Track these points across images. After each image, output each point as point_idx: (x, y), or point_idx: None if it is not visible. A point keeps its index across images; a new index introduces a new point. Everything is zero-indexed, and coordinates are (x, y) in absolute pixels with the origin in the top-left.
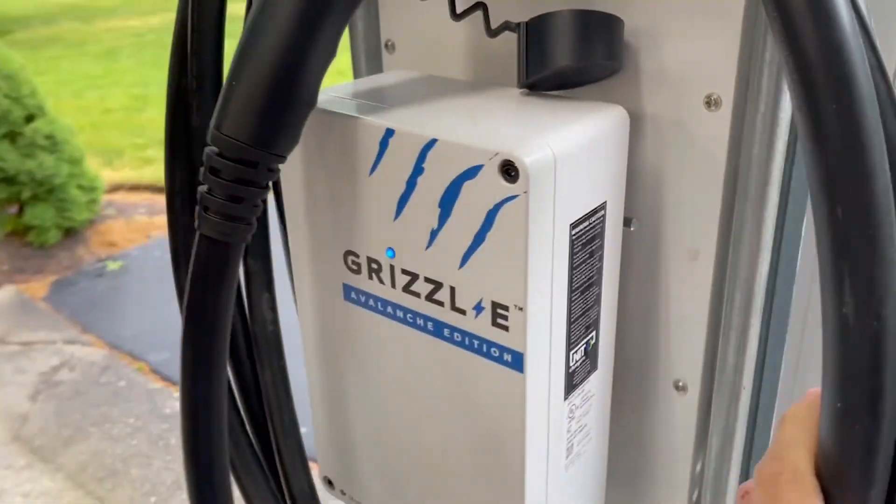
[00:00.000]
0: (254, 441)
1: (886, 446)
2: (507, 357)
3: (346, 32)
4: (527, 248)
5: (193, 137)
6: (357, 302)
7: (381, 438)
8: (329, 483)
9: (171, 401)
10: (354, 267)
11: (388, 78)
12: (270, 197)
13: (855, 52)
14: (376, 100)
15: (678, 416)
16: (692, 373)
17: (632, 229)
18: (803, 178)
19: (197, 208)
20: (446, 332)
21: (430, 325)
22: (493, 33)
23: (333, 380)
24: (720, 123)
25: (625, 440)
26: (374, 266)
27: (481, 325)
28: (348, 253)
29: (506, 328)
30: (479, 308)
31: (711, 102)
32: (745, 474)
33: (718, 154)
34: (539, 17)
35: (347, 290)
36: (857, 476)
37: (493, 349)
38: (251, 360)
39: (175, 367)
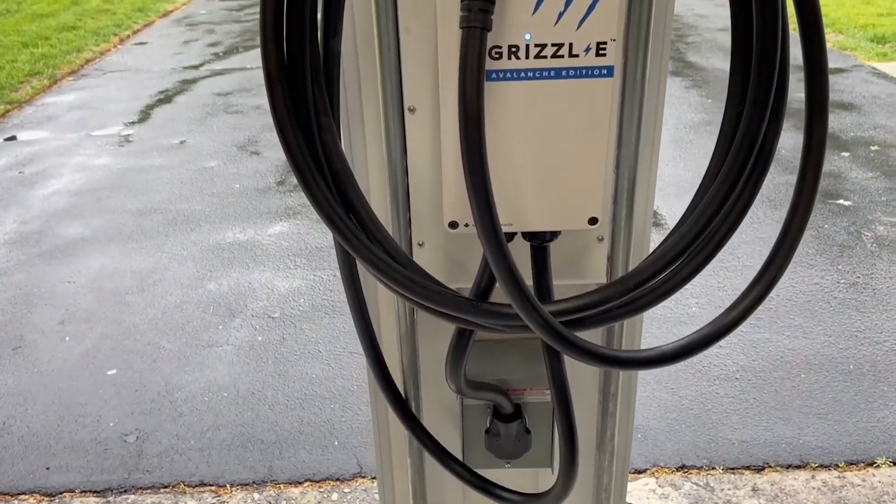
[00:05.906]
0: None
1: None
2: (605, 71)
3: None
4: (620, 6)
5: None
6: (497, 79)
7: (503, 169)
8: (453, 225)
9: None
10: (497, 56)
11: None
12: None
13: None
14: None
15: None
16: None
17: None
18: None
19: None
20: (564, 72)
21: (552, 72)
22: None
23: None
24: None
25: None
26: (513, 49)
27: (590, 60)
28: (493, 48)
29: (605, 55)
30: (587, 50)
31: None
32: None
33: None
34: None
35: (489, 74)
36: None
37: (595, 70)
38: None
39: None
